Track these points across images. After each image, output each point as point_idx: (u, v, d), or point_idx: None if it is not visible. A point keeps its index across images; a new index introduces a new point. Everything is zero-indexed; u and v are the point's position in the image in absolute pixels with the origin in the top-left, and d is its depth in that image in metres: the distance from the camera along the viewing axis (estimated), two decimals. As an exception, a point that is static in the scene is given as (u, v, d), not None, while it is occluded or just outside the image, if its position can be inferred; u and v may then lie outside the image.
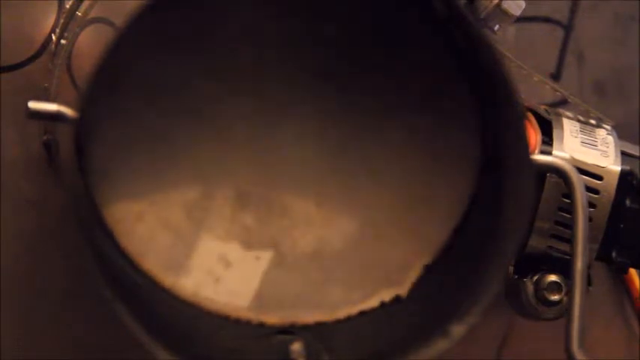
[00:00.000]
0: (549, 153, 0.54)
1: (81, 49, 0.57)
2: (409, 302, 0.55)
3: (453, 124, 0.55)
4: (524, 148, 0.49)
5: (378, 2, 0.54)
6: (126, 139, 0.53)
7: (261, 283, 0.55)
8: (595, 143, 0.55)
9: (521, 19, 0.54)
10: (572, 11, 0.66)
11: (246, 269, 0.55)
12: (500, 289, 0.51)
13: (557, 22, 0.66)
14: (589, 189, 0.54)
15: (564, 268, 0.53)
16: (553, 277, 0.55)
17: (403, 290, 0.55)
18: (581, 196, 0.52)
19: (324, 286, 0.55)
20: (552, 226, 0.54)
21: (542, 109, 0.57)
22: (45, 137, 0.57)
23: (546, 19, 0.65)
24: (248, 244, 0.55)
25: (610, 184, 0.55)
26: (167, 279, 0.54)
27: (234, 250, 0.55)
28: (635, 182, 0.55)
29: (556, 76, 0.66)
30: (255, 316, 0.54)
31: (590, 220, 0.54)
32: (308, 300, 0.55)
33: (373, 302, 0.55)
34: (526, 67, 0.58)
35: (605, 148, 0.55)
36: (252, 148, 0.55)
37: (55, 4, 0.58)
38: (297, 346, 0.52)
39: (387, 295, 0.55)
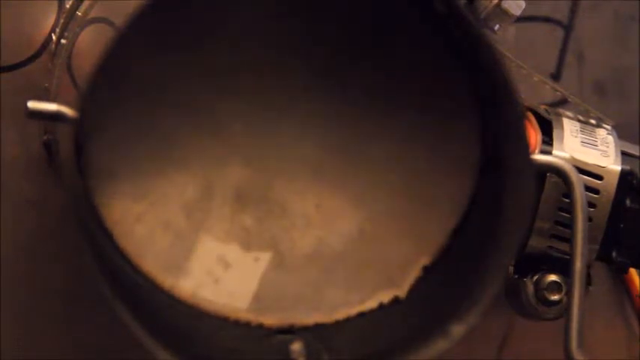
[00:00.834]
0: (549, 153, 0.54)
1: (81, 49, 0.57)
2: (408, 303, 0.55)
3: (453, 124, 0.55)
4: (524, 148, 0.49)
5: (378, 2, 0.54)
6: (125, 139, 0.53)
7: (260, 285, 0.55)
8: (595, 143, 0.55)
9: (521, 18, 0.54)
10: (572, 11, 0.66)
11: (245, 270, 0.55)
12: (500, 289, 0.51)
13: (557, 22, 0.66)
14: (589, 189, 0.54)
15: (564, 267, 0.53)
16: (553, 277, 0.55)
17: (402, 291, 0.55)
18: (580, 196, 0.52)
19: (323, 287, 0.55)
20: (552, 226, 0.54)
21: (542, 109, 0.57)
22: (45, 137, 0.57)
23: (546, 19, 0.65)
24: (247, 245, 0.55)
25: (610, 184, 0.55)
26: (166, 280, 0.54)
27: (233, 251, 0.55)
28: (635, 182, 0.55)
29: (556, 76, 0.66)
30: (254, 318, 0.54)
31: (590, 219, 0.54)
32: (307, 301, 0.55)
33: (372, 304, 0.55)
34: (526, 67, 0.58)
35: (605, 148, 0.55)
36: (252, 148, 0.55)
37: (55, 4, 0.58)
38: (297, 346, 0.53)
39: (385, 297, 0.55)
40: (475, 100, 0.54)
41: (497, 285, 0.49)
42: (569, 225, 0.53)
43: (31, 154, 0.58)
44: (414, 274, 0.55)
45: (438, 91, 0.55)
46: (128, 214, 0.53)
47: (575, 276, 0.51)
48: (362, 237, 0.56)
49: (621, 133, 0.57)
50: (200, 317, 0.54)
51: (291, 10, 0.53)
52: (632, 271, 0.65)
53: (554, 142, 0.55)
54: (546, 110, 0.57)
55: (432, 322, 0.50)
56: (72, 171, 0.47)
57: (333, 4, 0.54)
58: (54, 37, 0.58)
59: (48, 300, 0.59)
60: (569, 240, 0.52)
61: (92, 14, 0.56)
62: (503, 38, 0.62)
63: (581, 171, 0.54)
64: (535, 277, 0.55)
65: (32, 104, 0.46)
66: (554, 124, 0.56)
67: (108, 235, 0.53)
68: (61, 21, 0.57)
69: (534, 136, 0.55)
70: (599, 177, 0.55)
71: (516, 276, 0.56)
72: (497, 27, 0.53)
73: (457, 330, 0.48)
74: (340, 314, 0.55)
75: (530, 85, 0.60)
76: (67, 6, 0.57)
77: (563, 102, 0.62)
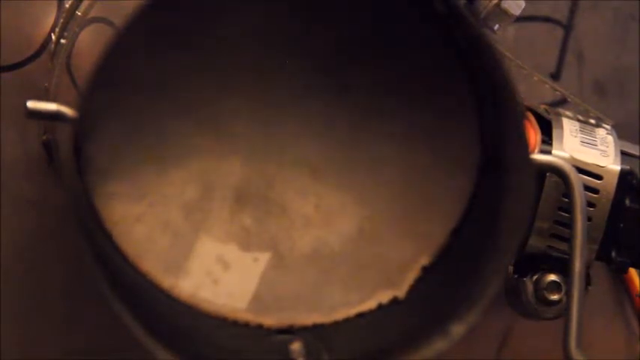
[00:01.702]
0: (549, 152, 0.54)
1: (81, 49, 0.57)
2: (407, 303, 0.55)
3: (453, 124, 0.55)
4: (524, 147, 0.49)
5: (378, 2, 0.54)
6: (124, 139, 0.53)
7: (260, 285, 0.55)
8: (595, 143, 0.55)
9: (521, 18, 0.54)
10: (572, 11, 0.66)
11: (244, 271, 0.55)
12: (500, 289, 0.51)
13: (557, 22, 0.66)
14: (589, 188, 0.54)
15: (564, 267, 0.53)
16: (553, 277, 0.55)
17: (401, 292, 0.55)
18: (579, 197, 0.52)
19: (322, 287, 0.55)
20: (552, 226, 0.54)
21: (542, 109, 0.57)
22: (45, 137, 0.57)
23: (546, 19, 0.65)
24: (246, 246, 0.55)
25: (610, 184, 0.55)
26: (166, 281, 0.54)
27: (232, 252, 0.55)
28: (634, 182, 0.55)
29: (556, 76, 0.66)
30: (253, 318, 0.54)
31: (590, 219, 0.54)
32: (306, 301, 0.55)
33: (371, 304, 0.55)
34: (526, 67, 0.58)
35: (604, 148, 0.55)
36: (252, 148, 0.55)
37: (55, 4, 0.58)
38: (297, 346, 0.53)
39: (384, 297, 0.55)
40: (475, 100, 0.54)
41: (496, 285, 0.49)
42: (569, 225, 0.53)
43: (31, 154, 0.58)
44: (413, 274, 0.55)
45: (438, 91, 0.55)
46: (128, 214, 0.53)
47: (575, 276, 0.51)
48: (361, 237, 0.56)
49: (621, 132, 0.57)
50: (199, 317, 0.54)
51: (292, 9, 0.53)
52: (632, 270, 0.65)
53: (554, 142, 0.55)
54: (546, 110, 0.57)
55: (431, 322, 0.50)
56: (72, 171, 0.47)
57: (333, 4, 0.54)
58: (53, 37, 0.58)
59: (48, 300, 0.59)
60: (569, 240, 0.52)
61: (92, 14, 0.56)
62: (503, 38, 0.62)
63: (581, 170, 0.54)
64: (535, 277, 0.55)
65: (31, 104, 0.46)
66: (554, 124, 0.56)
67: (107, 236, 0.53)
68: (61, 21, 0.57)
69: (534, 135, 0.55)
70: (598, 177, 0.55)
71: (516, 276, 0.56)
72: (496, 27, 0.53)
73: (457, 330, 0.48)
74: (339, 315, 0.55)
75: (530, 85, 0.60)
76: (67, 6, 0.57)
77: (562, 102, 0.62)
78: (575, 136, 0.55)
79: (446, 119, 0.55)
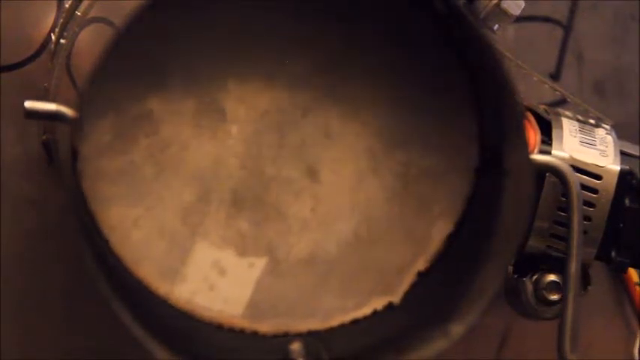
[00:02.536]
0: (548, 152, 0.54)
1: (80, 49, 0.57)
2: (402, 308, 0.55)
3: (452, 124, 0.55)
4: (524, 147, 0.49)
5: (379, 2, 0.54)
6: (121, 142, 0.53)
7: (255, 291, 0.54)
8: (594, 143, 0.55)
9: (521, 18, 0.54)
10: (572, 11, 0.66)
11: (240, 276, 0.54)
12: (499, 289, 0.51)
13: (556, 22, 0.66)
14: (588, 188, 0.54)
15: (563, 267, 0.53)
16: (552, 277, 0.55)
17: (396, 298, 0.55)
18: (576, 197, 0.52)
19: (318, 293, 0.55)
20: (551, 226, 0.54)
21: (541, 109, 0.57)
22: (44, 137, 0.57)
23: (546, 19, 0.65)
24: (242, 251, 0.55)
25: (609, 184, 0.55)
26: (162, 286, 0.53)
27: (228, 257, 0.54)
28: (634, 182, 0.55)
29: (556, 76, 0.66)
30: (248, 325, 0.54)
31: (590, 219, 0.54)
32: (301, 308, 0.54)
33: (366, 310, 0.55)
34: (526, 67, 0.58)
35: (604, 148, 0.55)
36: (249, 150, 0.55)
37: (55, 4, 0.58)
38: (296, 346, 0.52)
39: (379, 303, 0.55)
40: (475, 100, 0.54)
41: (496, 285, 0.49)
42: (569, 225, 0.52)
43: (31, 154, 0.58)
44: (409, 279, 0.55)
45: (437, 91, 0.55)
46: (124, 219, 0.53)
47: (570, 278, 0.51)
48: (358, 240, 0.55)
49: (621, 133, 0.57)
50: (196, 322, 0.54)
51: (291, 9, 0.53)
52: (632, 270, 0.65)
53: (554, 142, 0.55)
54: (545, 110, 0.57)
55: (431, 322, 0.50)
56: (70, 173, 0.47)
57: (333, 4, 0.54)
58: (53, 37, 0.58)
59: (48, 300, 0.59)
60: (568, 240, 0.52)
61: (91, 14, 0.56)
62: (503, 38, 0.62)
63: (580, 170, 0.54)
64: (534, 277, 0.55)
65: (29, 104, 0.46)
66: (554, 124, 0.56)
67: (104, 241, 0.53)
68: (61, 21, 0.57)
69: (533, 135, 0.55)
70: (598, 177, 0.55)
71: (516, 276, 0.56)
72: (496, 27, 0.53)
73: (456, 330, 0.48)
74: (334, 321, 0.54)
75: (530, 85, 0.60)
76: (67, 6, 0.57)
77: (562, 102, 0.62)
78: (575, 136, 0.55)
79: (446, 119, 0.55)
